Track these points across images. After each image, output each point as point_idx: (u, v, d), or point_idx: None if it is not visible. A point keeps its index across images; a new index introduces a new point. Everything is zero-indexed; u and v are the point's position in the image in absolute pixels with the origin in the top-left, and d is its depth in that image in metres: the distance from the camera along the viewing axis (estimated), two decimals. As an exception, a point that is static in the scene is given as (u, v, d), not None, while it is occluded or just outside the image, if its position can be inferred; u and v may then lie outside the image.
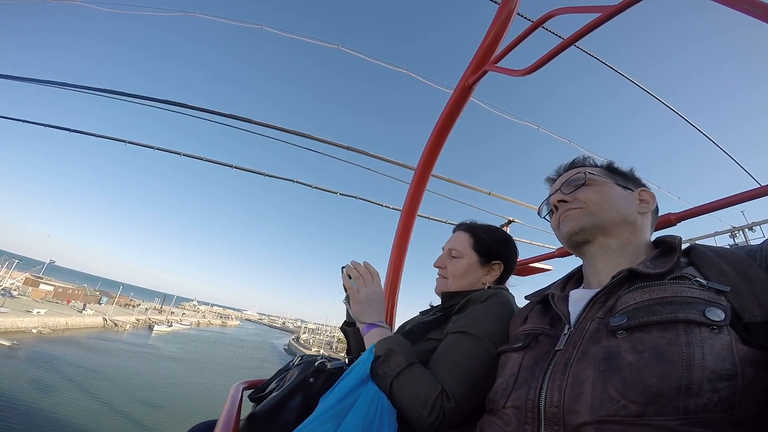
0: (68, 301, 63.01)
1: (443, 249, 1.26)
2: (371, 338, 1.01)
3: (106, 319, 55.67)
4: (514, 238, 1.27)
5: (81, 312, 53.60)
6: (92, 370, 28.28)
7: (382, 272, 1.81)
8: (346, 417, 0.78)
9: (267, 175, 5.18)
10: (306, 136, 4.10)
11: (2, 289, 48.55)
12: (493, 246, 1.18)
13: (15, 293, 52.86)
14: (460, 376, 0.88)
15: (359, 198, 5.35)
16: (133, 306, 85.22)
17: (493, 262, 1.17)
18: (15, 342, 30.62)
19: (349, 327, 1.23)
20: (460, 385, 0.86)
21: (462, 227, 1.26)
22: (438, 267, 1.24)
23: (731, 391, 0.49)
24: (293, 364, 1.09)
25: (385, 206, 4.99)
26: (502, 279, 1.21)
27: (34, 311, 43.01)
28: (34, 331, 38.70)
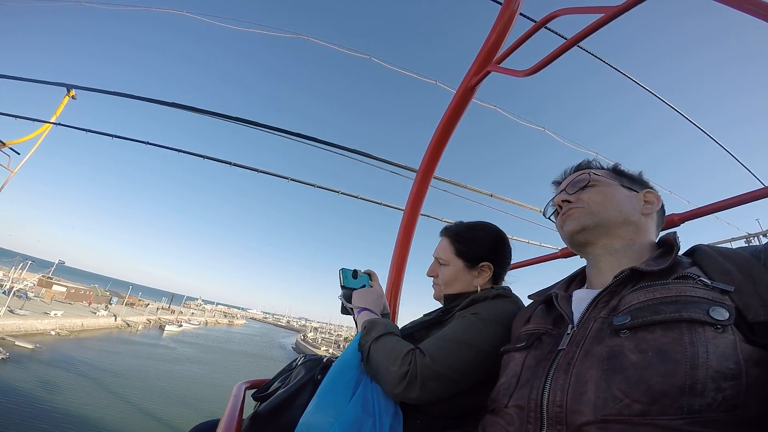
0: (90, 303, 64.16)
1: (433, 256, 1.24)
2: (360, 319, 1.09)
3: (116, 318, 56.63)
4: None
5: (95, 313, 54.57)
6: (118, 373, 28.84)
7: (385, 273, 1.82)
8: (348, 403, 0.81)
9: (270, 174, 5.20)
10: (311, 138, 4.11)
11: (18, 290, 49.40)
12: (478, 249, 1.15)
13: (31, 294, 53.81)
14: (442, 342, 0.89)
15: (361, 198, 5.33)
16: (144, 306, 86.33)
17: (482, 264, 1.13)
18: (38, 345, 31.22)
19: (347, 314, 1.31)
20: (439, 348, 0.86)
21: (444, 232, 1.24)
22: (431, 276, 1.23)
23: (735, 391, 0.49)
24: (297, 363, 1.10)
25: (389, 206, 4.95)
26: (498, 277, 1.17)
27: (52, 313, 43.78)
28: (53, 333, 39.36)
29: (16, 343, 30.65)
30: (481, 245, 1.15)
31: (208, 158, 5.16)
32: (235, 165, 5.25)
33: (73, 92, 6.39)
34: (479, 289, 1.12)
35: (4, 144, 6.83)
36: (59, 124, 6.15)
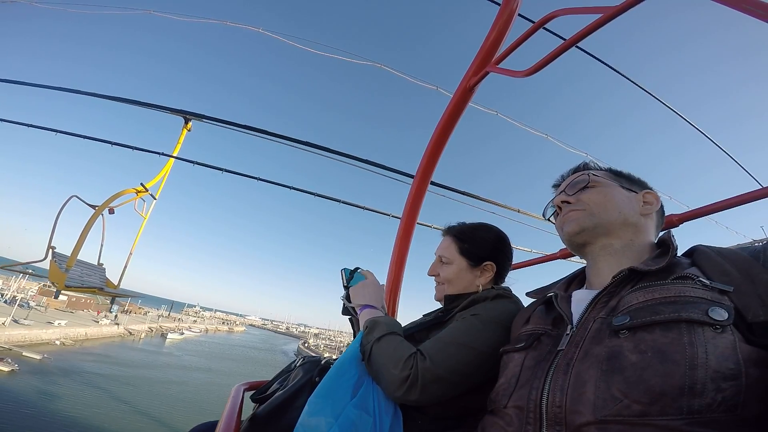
0: (98, 312, 64.43)
1: (435, 255, 1.25)
2: (363, 317, 1.08)
3: (118, 325, 56.67)
4: None
5: (98, 322, 54.66)
6: (129, 383, 29.09)
7: (383, 278, 1.81)
8: (349, 404, 0.81)
9: (269, 182, 5.18)
10: (309, 144, 4.12)
11: (22, 300, 49.40)
12: (481, 248, 1.16)
13: (32, 303, 53.72)
14: (442, 344, 0.88)
15: (357, 206, 5.26)
16: (143, 314, 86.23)
17: (485, 264, 1.14)
18: (45, 355, 31.48)
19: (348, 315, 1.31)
20: (439, 351, 0.86)
21: (448, 231, 1.25)
22: (432, 275, 1.23)
23: (735, 391, 0.49)
24: (296, 365, 1.10)
25: (387, 214, 4.91)
26: (499, 277, 1.18)
27: (56, 322, 44.07)
28: (58, 342, 39.63)
29: (24, 353, 30.97)
30: (484, 245, 1.16)
31: (203, 165, 5.13)
32: (235, 173, 5.20)
33: (190, 124, 5.78)
34: (480, 288, 1.12)
35: (146, 189, 6.12)
36: (180, 158, 5.63)
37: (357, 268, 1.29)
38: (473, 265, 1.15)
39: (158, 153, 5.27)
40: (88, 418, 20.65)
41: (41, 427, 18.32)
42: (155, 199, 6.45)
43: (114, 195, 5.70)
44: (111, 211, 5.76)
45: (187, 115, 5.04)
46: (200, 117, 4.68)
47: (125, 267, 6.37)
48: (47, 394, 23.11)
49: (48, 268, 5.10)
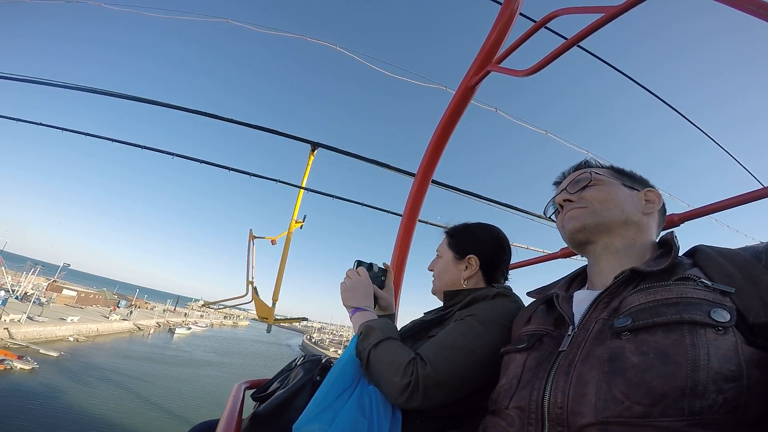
0: (113, 309, 65.02)
1: None
2: (356, 321, 1.08)
3: (126, 320, 57.27)
4: None
5: (108, 317, 55.29)
6: (144, 379, 29.55)
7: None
8: (344, 407, 0.81)
9: (275, 180, 5.18)
10: (311, 143, 4.12)
11: (36, 297, 49.89)
12: (465, 241, 1.20)
13: (43, 299, 54.10)
14: (442, 348, 0.89)
15: (361, 204, 5.22)
16: (150, 309, 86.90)
17: (468, 256, 1.17)
18: (62, 353, 31.80)
19: None
20: (440, 355, 0.86)
21: (446, 230, 1.30)
22: (430, 270, 1.30)
23: (736, 393, 0.49)
24: (296, 363, 1.11)
25: (389, 212, 4.89)
26: (490, 275, 1.17)
27: (68, 319, 44.57)
28: (71, 339, 40.05)
29: (41, 351, 31.25)
30: (470, 239, 1.20)
31: (206, 163, 5.13)
32: (233, 170, 5.19)
33: (315, 151, 5.50)
34: (464, 282, 1.15)
35: (304, 220, 6.27)
36: (309, 189, 5.54)
37: (372, 263, 1.30)
38: (458, 258, 1.18)
39: (277, 181, 5.34)
40: (114, 414, 21.07)
41: (71, 424, 18.79)
42: (301, 228, 6.68)
43: (289, 229, 6.00)
44: (273, 242, 6.12)
45: (313, 144, 5.06)
46: (325, 146, 4.68)
47: (275, 300, 6.55)
48: (71, 391, 23.53)
49: (252, 304, 5.47)
